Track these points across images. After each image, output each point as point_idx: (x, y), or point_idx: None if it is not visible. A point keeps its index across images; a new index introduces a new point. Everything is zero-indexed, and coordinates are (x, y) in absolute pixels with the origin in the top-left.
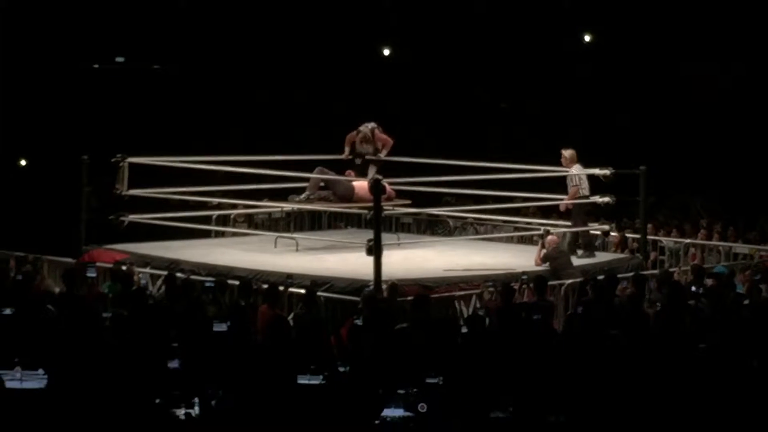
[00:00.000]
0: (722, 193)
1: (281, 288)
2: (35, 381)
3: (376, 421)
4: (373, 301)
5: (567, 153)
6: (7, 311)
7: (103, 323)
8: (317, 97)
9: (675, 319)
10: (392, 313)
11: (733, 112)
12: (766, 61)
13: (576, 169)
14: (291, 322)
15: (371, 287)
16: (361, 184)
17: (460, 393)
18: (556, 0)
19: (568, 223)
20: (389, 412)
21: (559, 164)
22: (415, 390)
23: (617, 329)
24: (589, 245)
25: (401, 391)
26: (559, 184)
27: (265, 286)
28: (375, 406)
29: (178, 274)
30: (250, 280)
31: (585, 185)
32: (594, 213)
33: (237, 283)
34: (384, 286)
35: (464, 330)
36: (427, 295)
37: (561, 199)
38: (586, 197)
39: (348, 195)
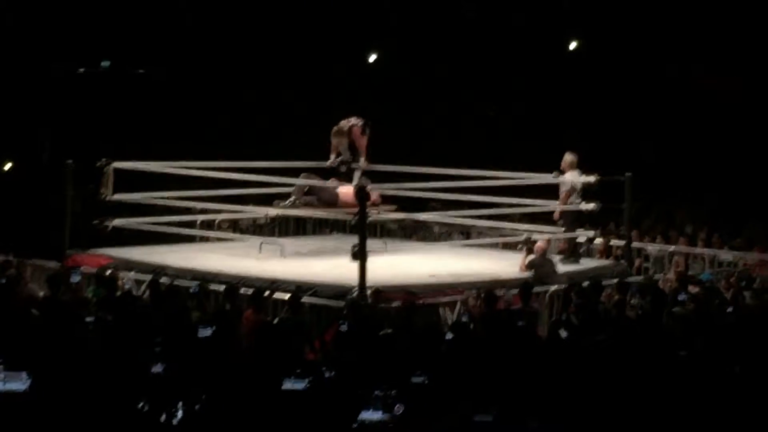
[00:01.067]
0: (708, 200)
1: (266, 293)
2: (17, 383)
3: (354, 425)
4: (358, 307)
5: (568, 157)
6: None
7: (87, 328)
8: (304, 101)
9: (657, 325)
10: (377, 319)
11: (720, 120)
12: (761, 69)
13: (571, 176)
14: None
15: (355, 293)
16: (346, 190)
17: (445, 394)
18: (542, 6)
19: (554, 229)
20: (367, 415)
21: (546, 171)
22: (393, 392)
23: (601, 335)
24: (574, 252)
25: (378, 393)
26: (546, 191)
27: (250, 291)
28: (355, 409)
29: (163, 279)
30: (235, 285)
31: (578, 191)
32: (579, 220)
33: (222, 288)
34: (368, 292)
35: (449, 336)
36: (412, 301)
37: (547, 206)
38: (578, 203)
39: (333, 201)
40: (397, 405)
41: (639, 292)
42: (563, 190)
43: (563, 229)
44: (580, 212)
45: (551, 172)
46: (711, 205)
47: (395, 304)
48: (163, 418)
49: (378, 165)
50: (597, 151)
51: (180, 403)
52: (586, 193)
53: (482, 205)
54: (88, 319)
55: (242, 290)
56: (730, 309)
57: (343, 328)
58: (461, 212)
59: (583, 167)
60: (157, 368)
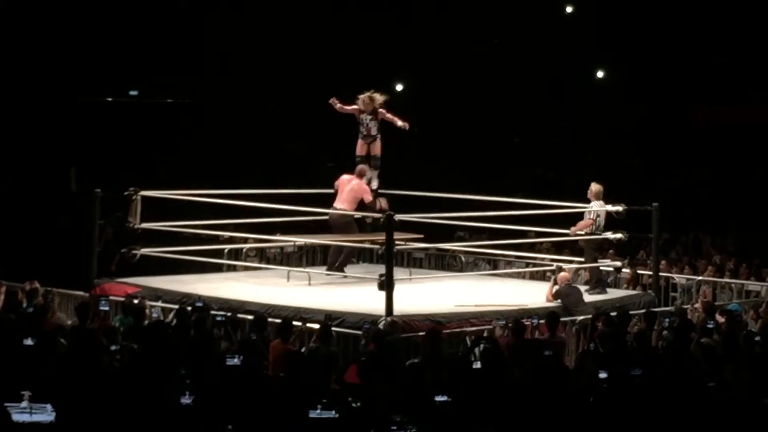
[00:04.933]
0: (737, 231)
1: (294, 323)
2: (44, 414)
3: None
4: (381, 335)
5: (594, 187)
6: (29, 342)
7: (114, 357)
8: (330, 130)
9: (685, 355)
10: (400, 348)
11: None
12: None
13: (597, 205)
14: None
15: (369, 325)
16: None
17: (468, 417)
18: (568, 37)
19: (581, 259)
20: None
21: (572, 200)
22: (411, 427)
23: (628, 366)
24: (600, 281)
25: (395, 429)
26: (572, 221)
27: (277, 320)
28: None
29: (189, 308)
30: (264, 314)
31: (601, 222)
32: (605, 249)
33: (249, 317)
34: (382, 323)
35: (477, 365)
36: (438, 330)
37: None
38: (599, 234)
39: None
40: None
41: (668, 322)
42: (589, 217)
43: (584, 258)
44: (602, 242)
45: (577, 202)
46: (738, 235)
47: (421, 333)
48: None
49: (404, 191)
50: (623, 182)
51: None
52: (613, 222)
53: (509, 233)
54: (114, 347)
55: (269, 319)
56: (758, 339)
57: (363, 359)
58: (487, 243)
59: (609, 197)
60: (186, 399)
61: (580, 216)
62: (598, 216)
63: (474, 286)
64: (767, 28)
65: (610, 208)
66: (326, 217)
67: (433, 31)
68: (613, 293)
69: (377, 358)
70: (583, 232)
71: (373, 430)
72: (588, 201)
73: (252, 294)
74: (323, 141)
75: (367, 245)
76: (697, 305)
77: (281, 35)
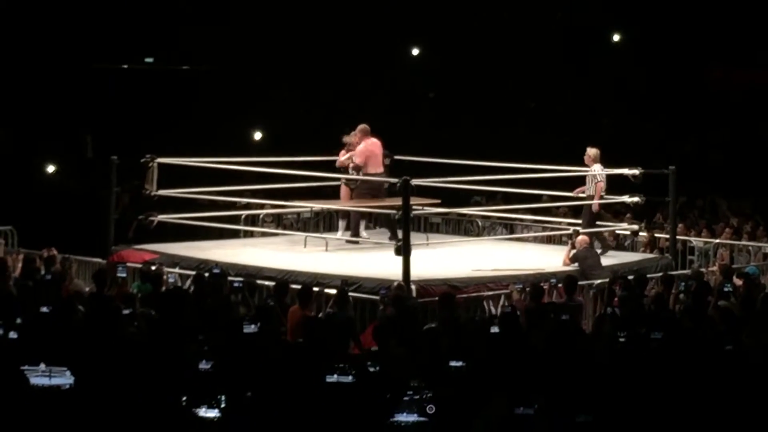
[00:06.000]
0: (755, 193)
1: (315, 288)
2: (62, 378)
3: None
4: (401, 299)
5: (591, 151)
6: (45, 309)
7: (132, 323)
8: (344, 96)
9: (702, 318)
10: (417, 313)
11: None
12: None
13: (598, 168)
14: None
15: (386, 290)
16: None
17: (483, 383)
18: (586, 3)
19: (597, 223)
20: (401, 417)
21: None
22: (426, 392)
23: (645, 329)
24: (604, 243)
25: (411, 394)
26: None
27: (295, 286)
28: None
29: (206, 274)
30: (284, 280)
31: (604, 185)
32: (622, 213)
33: (266, 283)
34: (391, 288)
35: (495, 329)
36: (452, 294)
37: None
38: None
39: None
40: (429, 406)
41: (684, 286)
42: (595, 182)
43: (581, 222)
44: (621, 204)
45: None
46: (755, 198)
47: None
48: (205, 412)
49: (420, 157)
50: (639, 145)
51: (223, 397)
52: (629, 186)
53: (525, 198)
54: (132, 312)
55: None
56: None
57: (383, 321)
58: (504, 207)
59: (626, 161)
60: (204, 365)
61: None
62: (602, 178)
63: (491, 251)
64: None
65: (619, 171)
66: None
67: None
68: (630, 256)
69: (395, 322)
70: (588, 195)
71: (389, 394)
72: (587, 166)
73: (269, 260)
74: (337, 109)
75: (384, 210)
76: (713, 268)
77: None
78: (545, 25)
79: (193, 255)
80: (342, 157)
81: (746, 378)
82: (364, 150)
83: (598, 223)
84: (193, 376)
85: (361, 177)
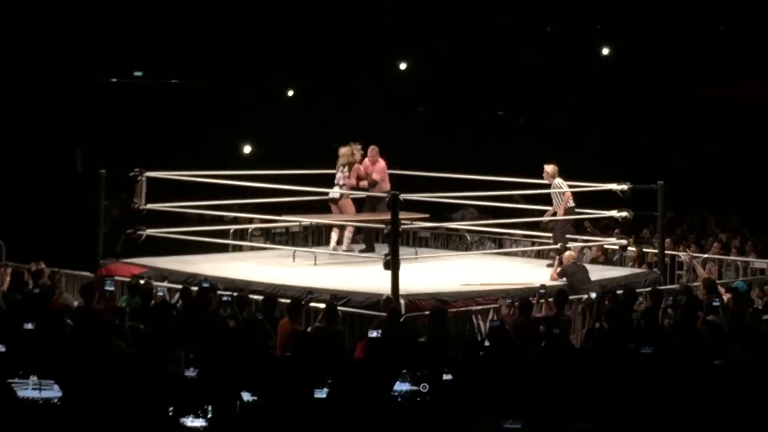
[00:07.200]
0: (743, 208)
1: (303, 302)
2: (53, 391)
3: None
4: (396, 314)
5: (549, 168)
6: (29, 326)
7: (120, 336)
8: (333, 110)
9: (691, 333)
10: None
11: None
12: None
13: (560, 182)
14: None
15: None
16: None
17: (473, 396)
18: (576, 17)
19: (585, 238)
20: (397, 387)
21: (574, 179)
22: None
23: (635, 344)
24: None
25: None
26: (580, 199)
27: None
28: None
29: (194, 288)
30: (273, 294)
31: (569, 194)
32: (611, 228)
33: (256, 297)
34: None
35: (487, 344)
36: (443, 309)
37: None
38: (573, 210)
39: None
40: (423, 384)
41: (674, 300)
42: (561, 194)
43: (552, 235)
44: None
45: (578, 181)
46: (744, 213)
47: (427, 312)
48: (191, 421)
49: (409, 171)
50: (629, 161)
51: (210, 407)
52: (618, 201)
53: (514, 212)
54: (120, 326)
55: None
56: (766, 317)
57: (375, 334)
58: (493, 221)
59: (614, 175)
60: (190, 372)
61: (596, 195)
62: (566, 189)
63: (480, 265)
64: None
65: (608, 186)
66: (328, 197)
67: (437, 9)
68: (618, 271)
69: (390, 338)
70: (561, 212)
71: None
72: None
73: (258, 274)
74: (329, 121)
75: (372, 225)
76: (697, 283)
77: (285, 12)
78: (535, 39)
79: (182, 269)
80: (351, 176)
81: (734, 392)
82: (383, 168)
83: (585, 238)
84: (180, 385)
85: (358, 193)
